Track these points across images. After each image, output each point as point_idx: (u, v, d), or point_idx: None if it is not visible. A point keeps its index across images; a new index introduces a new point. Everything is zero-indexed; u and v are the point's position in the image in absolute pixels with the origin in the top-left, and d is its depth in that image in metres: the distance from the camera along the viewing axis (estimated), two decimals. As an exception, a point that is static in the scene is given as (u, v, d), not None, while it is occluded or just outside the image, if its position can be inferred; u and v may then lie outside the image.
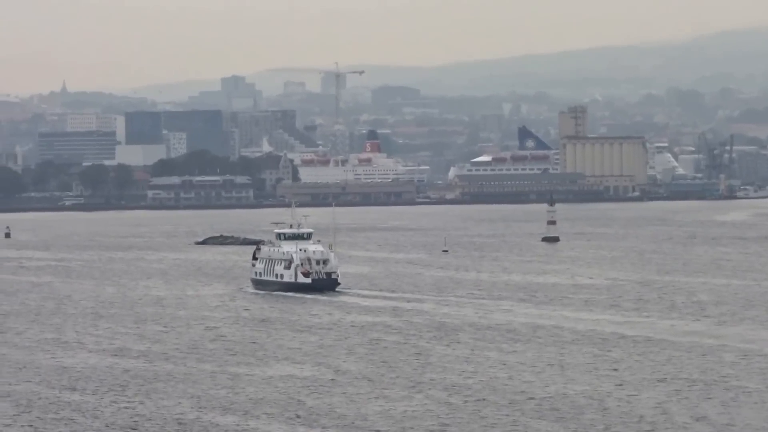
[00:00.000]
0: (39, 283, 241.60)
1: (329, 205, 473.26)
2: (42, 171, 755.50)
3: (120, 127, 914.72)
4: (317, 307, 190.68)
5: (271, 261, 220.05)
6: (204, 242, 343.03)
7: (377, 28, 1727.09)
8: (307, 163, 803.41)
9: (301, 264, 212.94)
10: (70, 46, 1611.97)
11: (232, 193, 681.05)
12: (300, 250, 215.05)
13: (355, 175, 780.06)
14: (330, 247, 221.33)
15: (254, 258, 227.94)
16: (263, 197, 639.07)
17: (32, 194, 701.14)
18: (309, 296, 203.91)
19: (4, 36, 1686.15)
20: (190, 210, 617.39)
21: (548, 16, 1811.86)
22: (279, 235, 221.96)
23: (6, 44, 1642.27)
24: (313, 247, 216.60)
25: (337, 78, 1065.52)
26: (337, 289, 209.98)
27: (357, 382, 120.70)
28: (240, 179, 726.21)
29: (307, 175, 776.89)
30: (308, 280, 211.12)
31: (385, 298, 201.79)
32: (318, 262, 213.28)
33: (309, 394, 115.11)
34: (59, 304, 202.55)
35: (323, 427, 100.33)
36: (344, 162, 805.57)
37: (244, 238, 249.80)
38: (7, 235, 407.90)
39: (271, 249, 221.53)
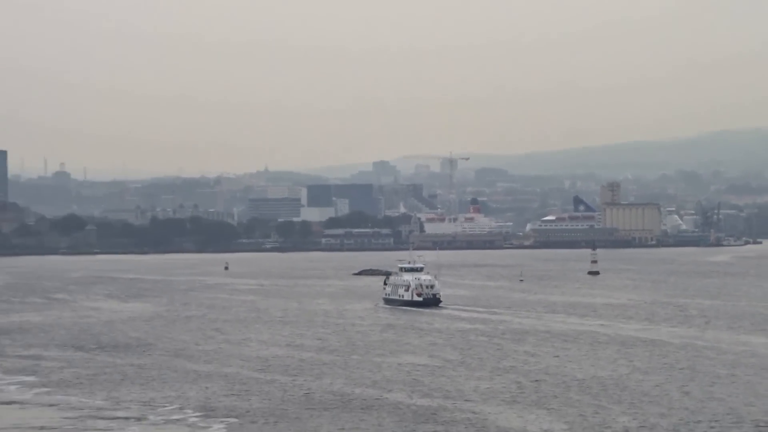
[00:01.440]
0: (246, 300, 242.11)
1: (443, 249, 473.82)
2: (250, 225, 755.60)
3: (304, 195, 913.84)
4: (427, 317, 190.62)
5: (396, 286, 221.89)
6: (359, 273, 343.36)
7: (479, 122, 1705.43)
8: (430, 220, 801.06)
9: (416, 288, 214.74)
10: (271, 137, 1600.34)
11: (378, 240, 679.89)
12: (415, 278, 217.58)
13: (462, 228, 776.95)
14: (435, 276, 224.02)
15: (385, 284, 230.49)
16: (400, 243, 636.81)
17: (243, 240, 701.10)
18: (421, 310, 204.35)
19: (228, 129, 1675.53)
20: (350, 252, 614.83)
21: (595, 118, 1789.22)
22: (401, 269, 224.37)
23: (227, 135, 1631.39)
24: (424, 277, 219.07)
25: (450, 162, 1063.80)
26: (440, 306, 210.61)
27: (456, 368, 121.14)
28: (384, 231, 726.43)
29: (429, 228, 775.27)
30: (420, 299, 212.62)
31: (476, 311, 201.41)
32: (427, 287, 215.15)
33: (425, 376, 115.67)
34: (259, 314, 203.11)
35: (434, 398, 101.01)
36: (455, 220, 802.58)
37: (385, 271, 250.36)
38: (226, 268, 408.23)
39: (396, 278, 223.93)
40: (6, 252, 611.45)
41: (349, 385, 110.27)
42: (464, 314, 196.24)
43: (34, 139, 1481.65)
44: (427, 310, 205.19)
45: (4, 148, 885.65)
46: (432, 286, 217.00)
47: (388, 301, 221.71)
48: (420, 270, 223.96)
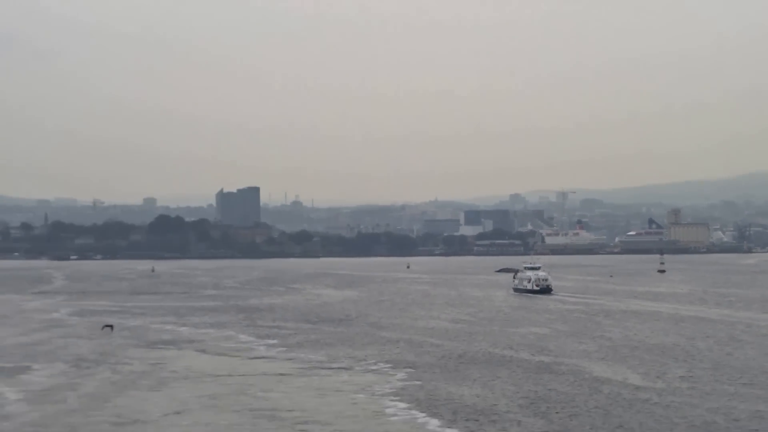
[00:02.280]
0: (421, 289, 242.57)
1: (556, 254, 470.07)
2: (425, 238, 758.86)
3: (461, 217, 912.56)
4: (543, 301, 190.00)
5: (521, 279, 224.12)
6: (498, 271, 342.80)
7: (582, 157, 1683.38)
8: (548, 234, 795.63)
9: (535, 280, 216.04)
10: (442, 167, 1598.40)
11: (512, 248, 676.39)
12: (534, 274, 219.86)
13: (570, 240, 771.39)
14: (548, 273, 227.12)
15: (514, 278, 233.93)
16: (527, 251, 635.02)
17: (420, 248, 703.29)
18: (538, 296, 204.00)
19: (409, 162, 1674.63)
20: (493, 256, 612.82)
21: (659, 160, 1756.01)
22: (525, 267, 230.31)
23: (408, 168, 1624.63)
24: (541, 273, 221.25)
25: (563, 195, 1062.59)
26: (551, 293, 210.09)
27: (564, 337, 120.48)
28: (516, 242, 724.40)
29: (548, 240, 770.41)
30: (538, 288, 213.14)
31: (577, 297, 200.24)
32: (542, 280, 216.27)
33: (542, 341, 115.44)
34: (429, 298, 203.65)
35: (549, 356, 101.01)
36: (566, 234, 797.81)
37: (515, 269, 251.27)
38: (408, 267, 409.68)
39: (522, 274, 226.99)
40: (258, 256, 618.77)
41: (491, 347, 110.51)
42: (569, 299, 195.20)
43: (277, 178, 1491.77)
44: (542, 296, 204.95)
45: (257, 185, 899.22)
46: (546, 279, 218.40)
47: (516, 290, 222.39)
48: (538, 268, 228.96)
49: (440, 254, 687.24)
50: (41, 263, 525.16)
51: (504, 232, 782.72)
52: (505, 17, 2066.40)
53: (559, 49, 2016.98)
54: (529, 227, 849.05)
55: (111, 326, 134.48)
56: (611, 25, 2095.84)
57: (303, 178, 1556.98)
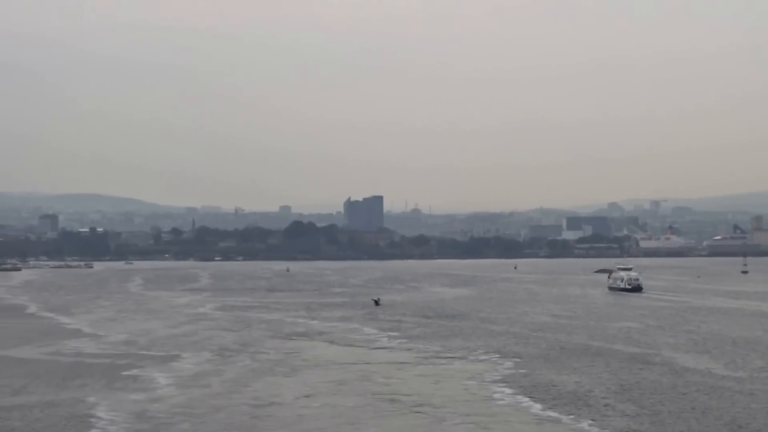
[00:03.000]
0: (526, 288, 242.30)
1: (649, 257, 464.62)
2: (531, 242, 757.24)
3: (564, 223, 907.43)
4: (635, 299, 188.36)
5: (615, 279, 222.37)
6: (596, 272, 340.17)
7: (674, 171, 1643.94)
8: (642, 239, 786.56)
9: (627, 280, 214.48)
10: (548, 178, 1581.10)
11: (609, 251, 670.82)
12: (627, 274, 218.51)
13: (662, 244, 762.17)
14: (640, 273, 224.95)
15: (609, 277, 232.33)
16: (623, 253, 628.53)
17: (526, 251, 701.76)
18: (630, 294, 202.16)
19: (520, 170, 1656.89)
20: (592, 258, 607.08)
21: (748, 167, 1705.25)
22: (619, 268, 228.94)
23: (518, 176, 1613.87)
24: (632, 273, 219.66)
25: (656, 203, 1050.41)
26: (642, 292, 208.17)
27: (654, 331, 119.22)
28: (613, 245, 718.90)
29: (642, 244, 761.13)
30: (630, 287, 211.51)
31: (667, 295, 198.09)
32: (634, 279, 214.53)
33: (634, 334, 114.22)
34: (533, 296, 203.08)
35: (640, 348, 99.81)
36: (658, 239, 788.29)
37: (610, 270, 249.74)
38: (515, 268, 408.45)
39: (615, 274, 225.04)
40: (381, 258, 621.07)
41: (588, 339, 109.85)
42: (659, 297, 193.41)
43: (400, 186, 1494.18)
44: (634, 295, 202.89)
45: (381, 194, 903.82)
46: (637, 279, 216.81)
47: (610, 288, 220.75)
48: (630, 269, 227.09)
49: (544, 256, 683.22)
50: (189, 264, 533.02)
51: (602, 237, 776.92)
52: (602, 57, 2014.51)
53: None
54: (625, 232, 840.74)
55: (377, 300, 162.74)
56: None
57: (422, 187, 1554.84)
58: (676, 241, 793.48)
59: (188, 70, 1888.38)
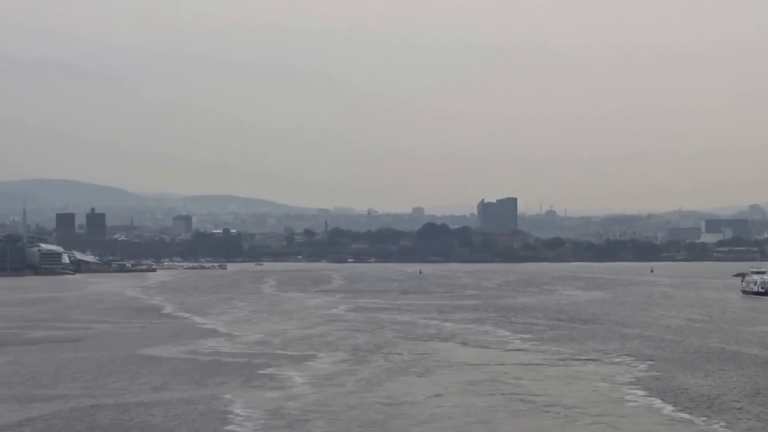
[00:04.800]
0: (662, 291, 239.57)
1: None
2: (667, 245, 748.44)
3: (702, 225, 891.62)
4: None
5: (748, 282, 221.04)
6: (736, 275, 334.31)
7: None
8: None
9: (760, 283, 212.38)
10: (687, 180, 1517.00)
11: (749, 255, 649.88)
12: (760, 278, 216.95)
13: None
14: None
15: (742, 281, 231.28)
16: (764, 257, 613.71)
17: (663, 254, 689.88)
18: (765, 298, 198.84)
19: (656, 178, 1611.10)
20: (730, 262, 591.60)
21: None
22: (752, 272, 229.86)
23: (654, 182, 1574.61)
24: (766, 276, 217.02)
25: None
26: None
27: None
28: (753, 249, 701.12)
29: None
30: (763, 291, 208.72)
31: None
32: (766, 283, 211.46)
33: (765, 339, 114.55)
34: (669, 300, 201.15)
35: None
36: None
37: (745, 273, 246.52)
38: (652, 271, 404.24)
39: (749, 277, 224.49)
40: (515, 260, 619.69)
41: (722, 343, 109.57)
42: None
43: (535, 187, 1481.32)
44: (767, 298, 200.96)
45: (514, 196, 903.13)
46: None
47: (744, 292, 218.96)
48: (764, 272, 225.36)
49: (681, 260, 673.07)
50: (321, 265, 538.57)
51: (742, 240, 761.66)
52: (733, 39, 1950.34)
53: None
54: (765, 236, 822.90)
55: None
56: None
57: (556, 190, 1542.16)
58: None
59: (318, 74, 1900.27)
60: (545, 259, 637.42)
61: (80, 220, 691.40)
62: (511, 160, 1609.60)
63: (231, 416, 65.66)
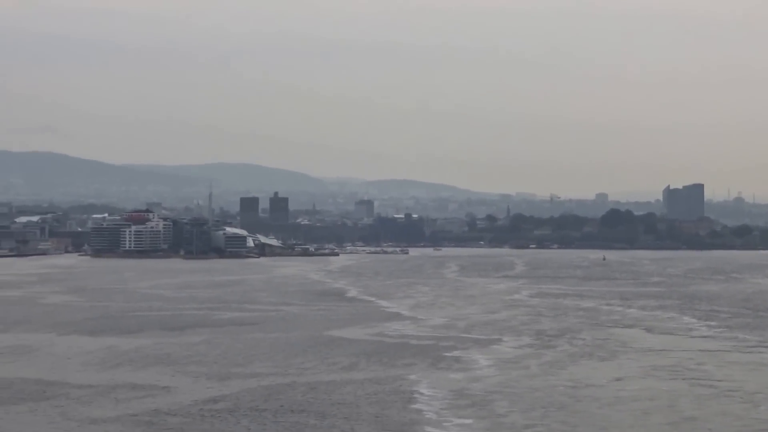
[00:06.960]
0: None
1: None
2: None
3: None
4: None
5: None
6: None
7: None
8: None
9: None
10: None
11: None
12: None
13: None
14: None
15: None
16: None
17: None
18: None
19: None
20: None
21: None
22: None
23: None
24: None
25: None
26: None
27: None
28: None
29: None
30: None
31: None
32: None
33: None
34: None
35: None
36: None
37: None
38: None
39: None
40: (701, 248, 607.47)
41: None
42: None
43: (722, 175, 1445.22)
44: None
45: (701, 182, 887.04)
46: None
47: None
48: None
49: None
50: (503, 251, 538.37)
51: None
52: None
53: None
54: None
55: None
56: None
57: (747, 176, 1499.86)
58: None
59: (503, 55, 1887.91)
60: (732, 247, 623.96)
61: (263, 203, 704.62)
62: (695, 145, 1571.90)
63: (417, 395, 69.02)
